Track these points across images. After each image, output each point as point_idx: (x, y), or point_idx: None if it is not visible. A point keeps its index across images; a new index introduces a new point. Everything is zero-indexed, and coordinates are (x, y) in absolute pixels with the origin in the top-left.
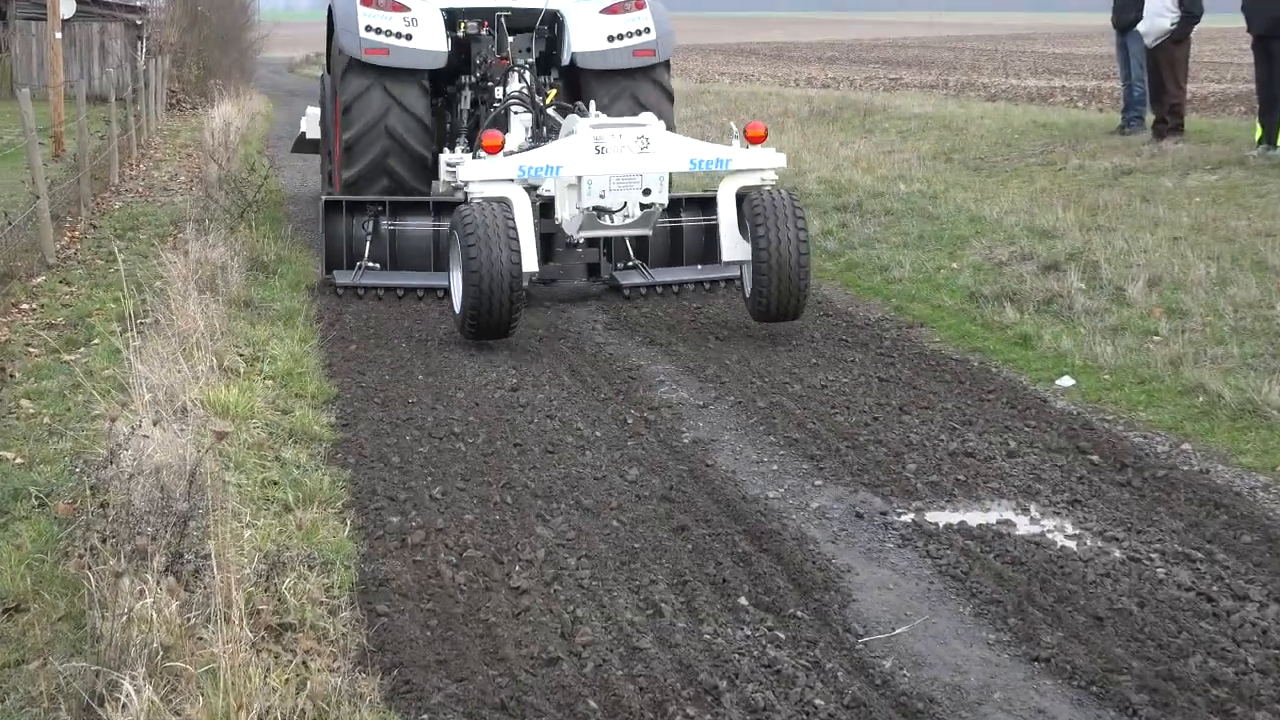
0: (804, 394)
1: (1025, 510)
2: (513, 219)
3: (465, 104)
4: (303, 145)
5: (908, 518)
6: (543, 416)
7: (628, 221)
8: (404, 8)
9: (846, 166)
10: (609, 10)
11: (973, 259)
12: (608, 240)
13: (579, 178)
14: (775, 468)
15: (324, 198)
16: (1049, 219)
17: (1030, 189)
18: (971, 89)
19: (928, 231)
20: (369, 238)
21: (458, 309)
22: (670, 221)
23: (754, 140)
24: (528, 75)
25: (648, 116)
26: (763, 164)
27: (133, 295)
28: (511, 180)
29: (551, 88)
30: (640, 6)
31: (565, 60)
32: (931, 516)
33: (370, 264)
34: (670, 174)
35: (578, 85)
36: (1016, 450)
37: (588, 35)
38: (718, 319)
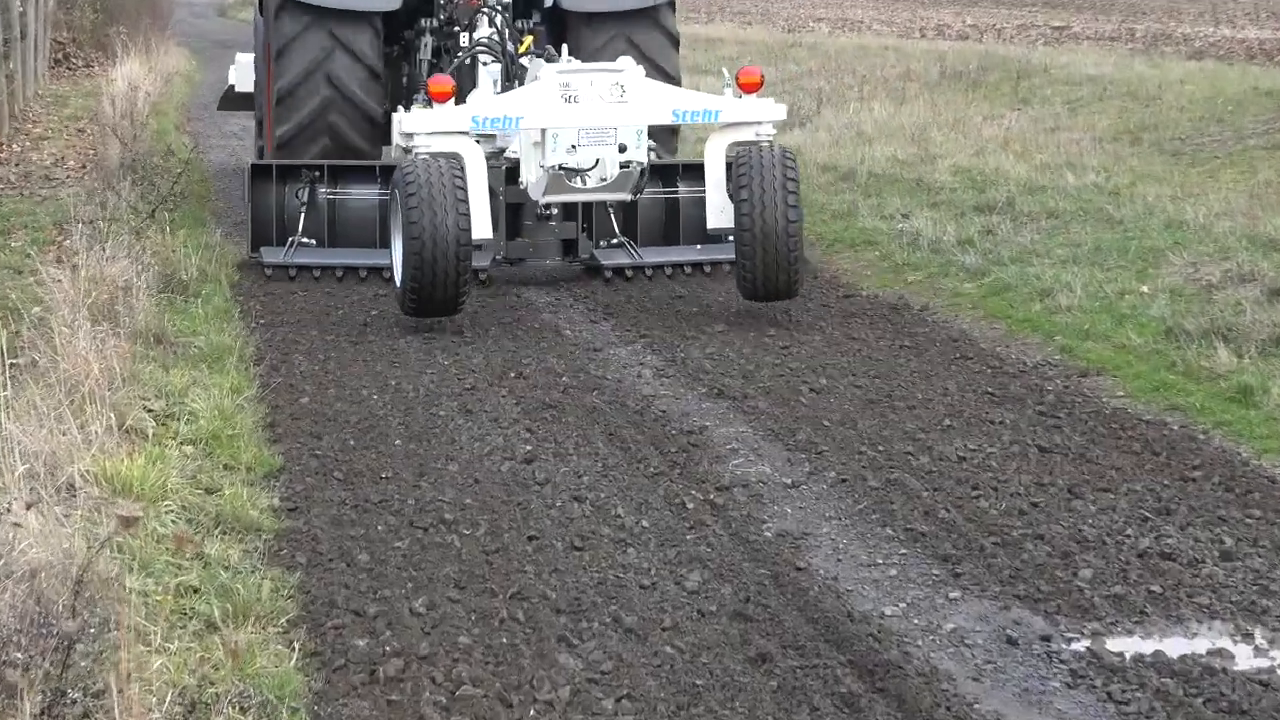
0: (933, 469)
1: (1248, 636)
2: (462, 177)
3: (425, 53)
4: (231, 100)
5: (1080, 645)
6: (568, 498)
7: (603, 184)
8: None
9: (992, 150)
10: None
11: (1170, 280)
12: (588, 212)
13: (543, 131)
14: (893, 573)
15: (251, 162)
16: (1278, 225)
17: (1250, 182)
18: (1167, 42)
19: (1106, 242)
20: (303, 208)
21: (397, 281)
22: (664, 193)
23: (748, 89)
24: (499, 19)
25: (624, 61)
26: (758, 116)
27: (1, 327)
28: (464, 133)
29: (529, 33)
30: None
31: (548, 1)
32: (1114, 644)
33: (305, 239)
34: (650, 130)
35: (563, 31)
36: (1234, 551)
37: None
38: (815, 357)
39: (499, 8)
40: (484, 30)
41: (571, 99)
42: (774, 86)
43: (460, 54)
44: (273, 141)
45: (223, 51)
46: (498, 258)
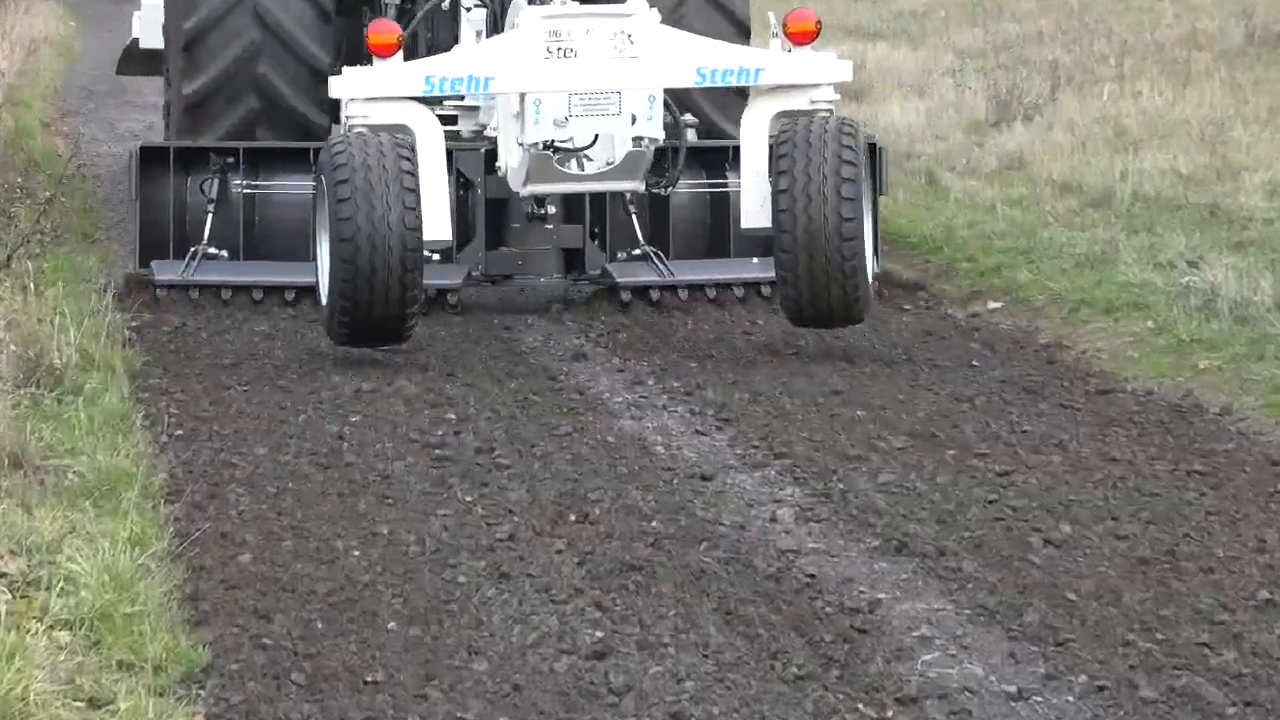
0: (1245, 671)
1: None
2: (411, 159)
3: None
4: (134, 61)
5: None
6: (662, 717)
7: (605, 169)
8: None
9: None
10: None
11: None
12: (599, 212)
13: (522, 96)
14: None
15: (140, 145)
16: None
17: None
18: None
19: None
20: (211, 207)
21: (323, 298)
22: (708, 185)
23: (799, 39)
24: None
25: (636, 3)
26: (813, 76)
27: None
28: (414, 99)
29: None
30: None
31: None
32: None
33: (213, 249)
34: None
35: None
36: None
37: None
38: (1052, 488)
39: None
40: None
41: (561, 53)
42: (981, 57)
43: None
44: (181, 102)
45: (116, 8)
46: (474, 273)
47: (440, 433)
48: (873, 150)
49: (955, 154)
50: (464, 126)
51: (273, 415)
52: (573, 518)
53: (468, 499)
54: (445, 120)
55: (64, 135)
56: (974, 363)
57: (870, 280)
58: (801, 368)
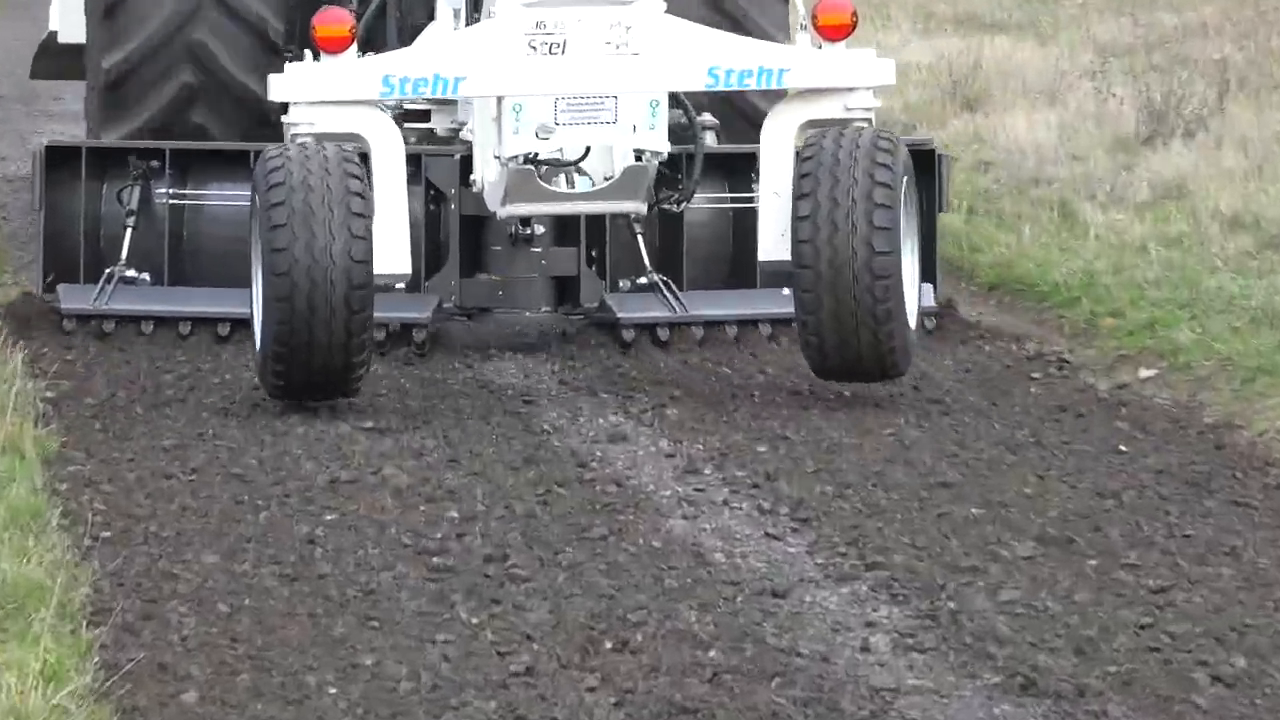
0: None
1: None
2: (362, 176)
3: None
4: (51, 60)
5: None
6: None
7: (600, 187)
8: None
9: None
10: None
11: None
12: (596, 232)
13: (500, 100)
14: None
15: (45, 143)
16: None
17: None
18: None
19: None
20: (130, 219)
21: (257, 340)
22: (730, 200)
23: (832, 34)
24: None
25: None
26: (847, 79)
27: None
28: (369, 104)
29: None
30: None
31: None
32: None
33: (131, 272)
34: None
35: None
36: None
37: None
38: (1223, 608)
39: None
40: None
41: (547, 48)
42: (1130, 56)
43: None
44: (97, 87)
45: None
46: (445, 305)
47: (439, 535)
48: (931, 159)
49: (1096, 179)
50: (439, 124)
51: (225, 512)
52: (608, 645)
53: (474, 621)
54: (418, 116)
55: None
56: (1121, 447)
57: (912, 323)
58: (899, 451)
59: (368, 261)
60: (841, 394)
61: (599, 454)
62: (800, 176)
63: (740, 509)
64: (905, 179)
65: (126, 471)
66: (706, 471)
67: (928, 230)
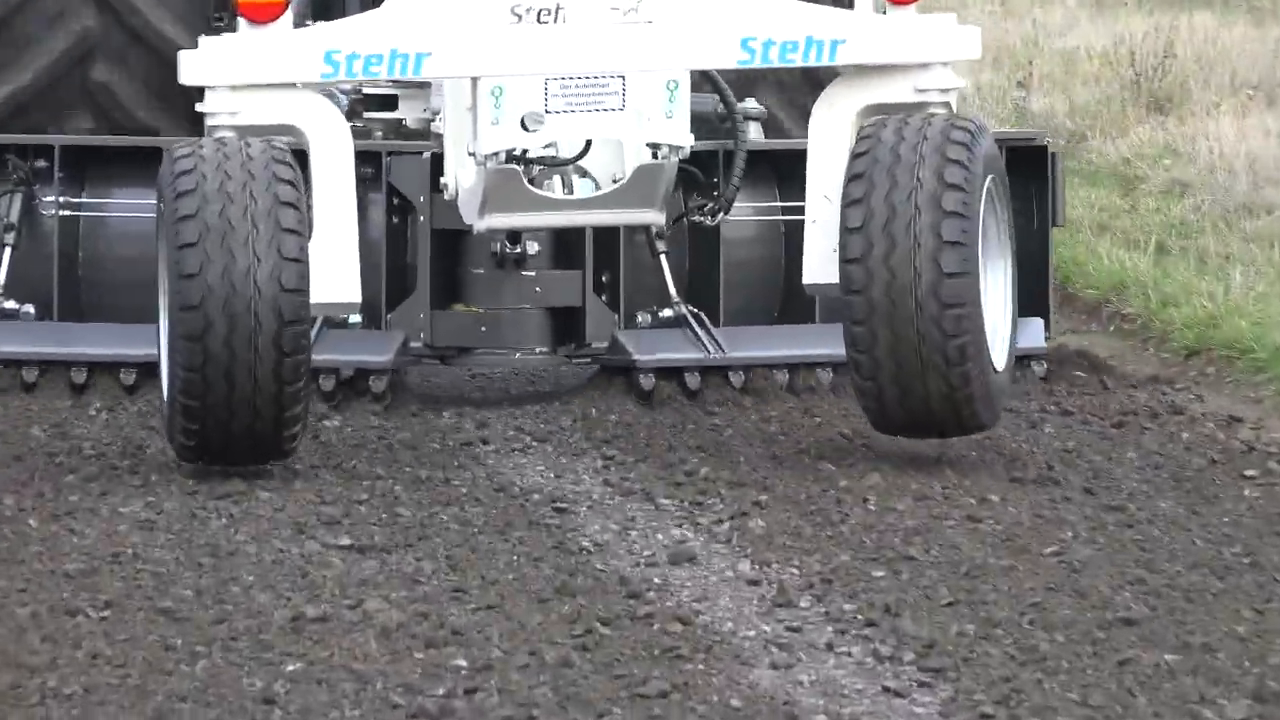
0: None
1: None
2: (295, 181)
3: None
4: None
5: None
6: None
7: (605, 192)
8: None
9: None
10: None
11: None
12: (607, 250)
13: (474, 82)
14: None
15: None
16: None
17: None
18: None
19: None
20: (11, 235)
21: (164, 388)
22: (781, 210)
23: None
24: None
25: None
26: (918, 54)
27: None
28: (309, 88)
29: None
30: None
31: None
32: None
33: (11, 303)
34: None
35: None
36: None
37: None
38: None
39: None
40: None
41: (536, 15)
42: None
43: None
44: None
45: None
46: (412, 344)
47: (441, 691)
48: (1041, 158)
49: None
50: (409, 113)
51: (151, 661)
52: None
53: None
54: (381, 103)
55: None
56: None
57: (1001, 363)
58: (1066, 577)
59: (302, 290)
60: (986, 497)
61: (657, 579)
62: (851, 178)
63: (849, 655)
64: (990, 181)
65: (16, 606)
66: (803, 604)
67: (1037, 249)
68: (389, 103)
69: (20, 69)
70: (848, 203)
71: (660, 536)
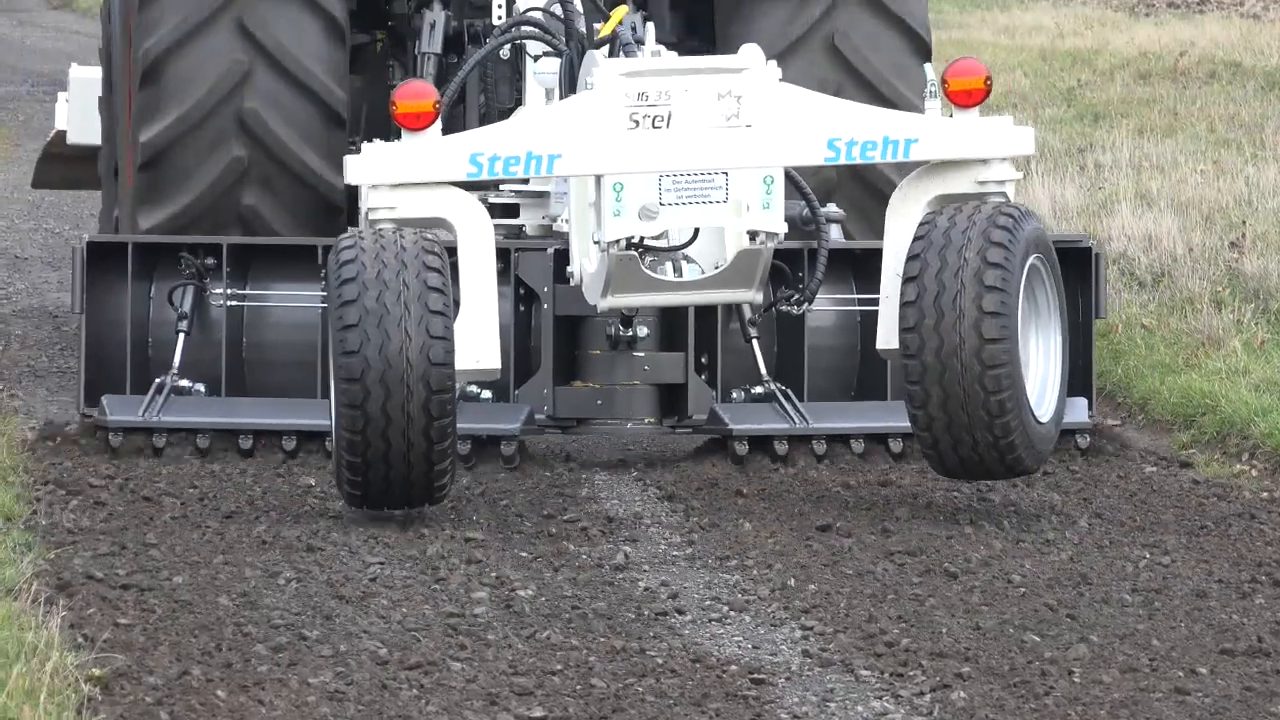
0: None
1: None
2: (442, 268)
3: (431, 40)
4: (58, 166)
5: None
6: None
7: (711, 274)
8: None
9: None
10: None
11: None
12: (707, 336)
13: (599, 180)
14: None
15: (86, 239)
16: None
17: None
18: None
19: None
20: (185, 323)
21: (331, 443)
22: (860, 302)
23: (964, 100)
24: None
25: (747, 54)
26: (981, 149)
27: None
28: (454, 186)
29: (618, 5)
30: None
31: None
32: None
33: (185, 381)
34: (799, 187)
35: (701, 6)
36: None
37: None
38: None
39: None
40: None
41: (650, 121)
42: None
43: (492, 38)
44: (133, 164)
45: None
46: (537, 416)
47: None
48: (1087, 259)
49: None
50: (528, 220)
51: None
52: None
53: None
54: (505, 211)
55: None
56: None
57: (1045, 416)
58: None
59: (447, 364)
60: (1195, 669)
61: None
62: (910, 258)
63: None
64: (1036, 259)
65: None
66: None
67: (1082, 338)
68: (512, 211)
69: (180, 194)
70: (906, 279)
71: (860, 709)
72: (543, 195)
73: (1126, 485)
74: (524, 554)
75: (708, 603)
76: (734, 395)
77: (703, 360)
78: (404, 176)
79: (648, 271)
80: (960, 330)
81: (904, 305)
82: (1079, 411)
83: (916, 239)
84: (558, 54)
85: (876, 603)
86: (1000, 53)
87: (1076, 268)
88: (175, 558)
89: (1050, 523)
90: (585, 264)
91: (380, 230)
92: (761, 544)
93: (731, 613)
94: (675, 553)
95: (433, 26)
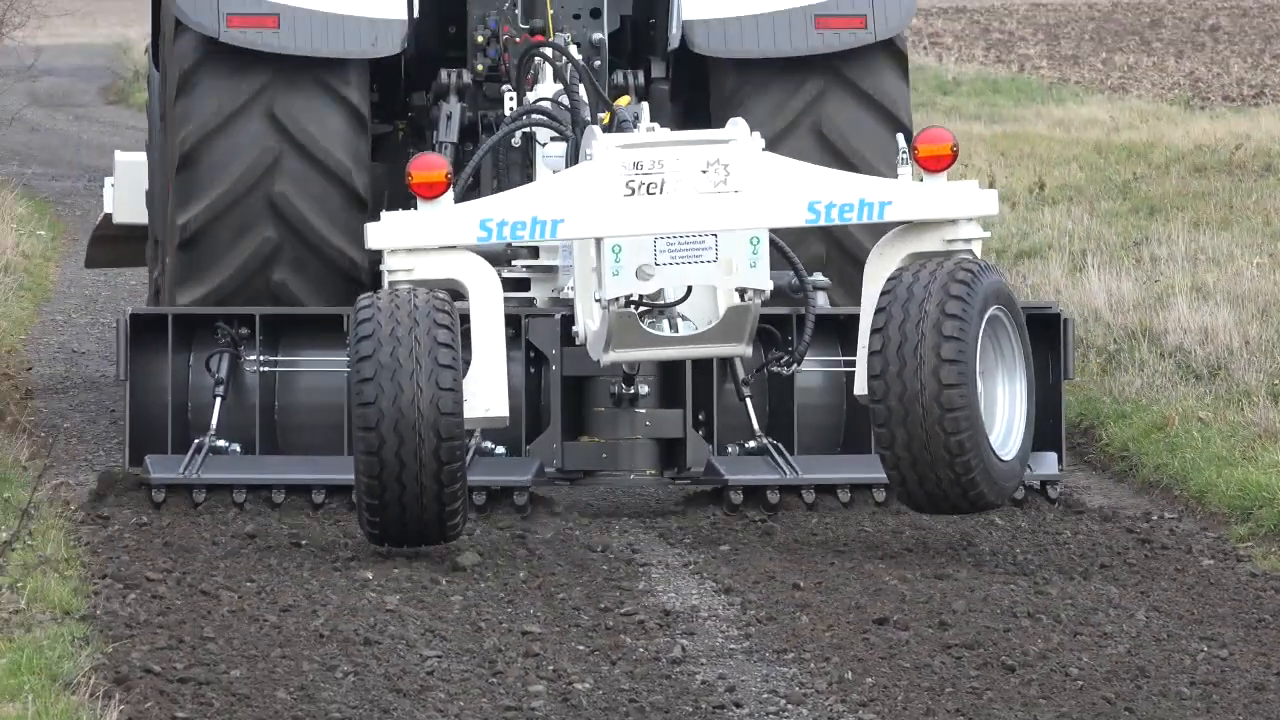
0: None
1: None
2: (451, 324)
3: (448, 130)
4: (107, 246)
5: None
6: None
7: (704, 329)
8: None
9: None
10: None
11: None
12: (703, 394)
13: (598, 242)
14: None
15: (130, 311)
16: None
17: None
18: None
19: None
20: (221, 388)
21: (355, 491)
22: (843, 364)
23: (932, 165)
24: (570, 67)
25: (734, 127)
26: (949, 210)
27: None
28: (467, 248)
29: (623, 93)
30: None
31: (674, 38)
32: None
33: (221, 442)
34: (788, 258)
35: (699, 89)
36: None
37: None
38: None
39: (571, 46)
40: (547, 87)
41: (645, 189)
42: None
43: (504, 126)
44: (170, 246)
45: (92, 188)
46: (547, 469)
47: None
48: (1055, 324)
49: None
50: (539, 293)
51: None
52: None
53: None
54: (517, 285)
55: (30, 431)
56: None
57: (1000, 460)
58: None
59: (456, 413)
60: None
61: None
62: (877, 311)
63: None
64: (996, 309)
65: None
66: None
67: (1053, 397)
68: (524, 285)
69: (215, 273)
70: (873, 330)
71: None
72: (552, 269)
73: (1184, 578)
74: (581, 647)
75: (765, 696)
76: (729, 449)
77: (700, 417)
78: (419, 241)
79: (646, 327)
80: (921, 377)
81: (871, 354)
82: (1049, 464)
83: (884, 293)
84: (564, 139)
85: (934, 696)
86: (1055, 146)
87: (1048, 332)
88: (233, 651)
89: (1107, 615)
90: (589, 323)
91: (395, 290)
92: (818, 637)
93: (789, 706)
94: (732, 646)
95: (449, 117)
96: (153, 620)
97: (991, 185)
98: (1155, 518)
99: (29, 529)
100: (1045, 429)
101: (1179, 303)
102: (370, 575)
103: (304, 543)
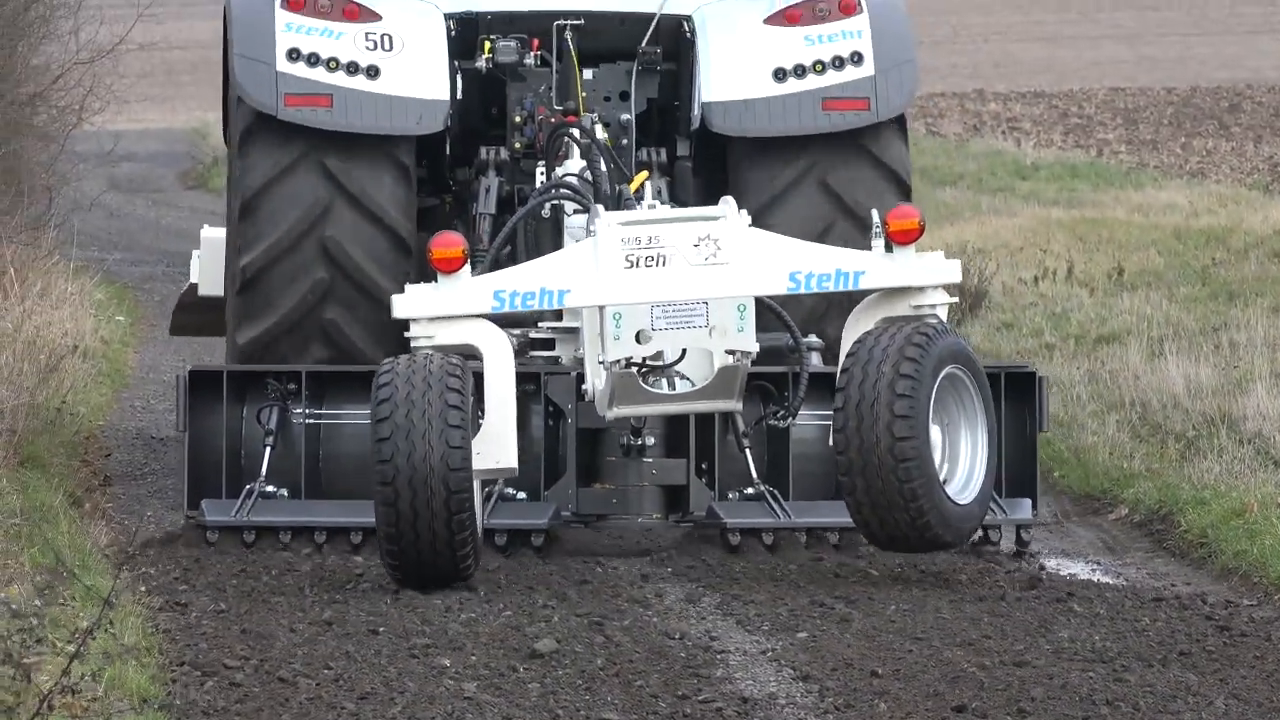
0: None
1: None
2: (461, 387)
3: (487, 202)
4: (192, 316)
5: None
6: None
7: (698, 388)
8: (368, 13)
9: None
10: (782, 18)
11: None
12: (706, 446)
13: (601, 310)
14: None
15: (189, 368)
16: None
17: None
18: None
19: None
20: (270, 438)
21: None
22: (822, 417)
23: (901, 238)
24: (595, 145)
25: (725, 205)
26: (918, 278)
27: None
28: (480, 316)
29: (644, 169)
30: (848, 10)
31: (695, 119)
32: None
33: (270, 488)
34: (783, 320)
35: (718, 164)
36: None
37: (734, 69)
38: None
39: (598, 125)
40: (574, 164)
41: (641, 261)
42: None
43: (531, 199)
44: (233, 289)
45: (177, 268)
46: (564, 513)
47: None
48: (1031, 381)
49: None
50: (563, 352)
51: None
52: None
53: None
54: (544, 345)
55: (108, 517)
56: None
57: (955, 504)
58: None
59: (464, 469)
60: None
61: None
62: (842, 371)
63: None
64: (954, 368)
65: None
66: None
67: (1028, 448)
68: (548, 344)
69: (269, 313)
70: (838, 389)
71: None
72: (574, 331)
73: (1263, 665)
74: None
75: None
76: (729, 495)
77: (703, 465)
78: (439, 310)
79: (645, 386)
80: (876, 431)
81: (835, 410)
82: (1024, 510)
83: (848, 355)
84: (586, 211)
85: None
86: (1134, 231)
87: (1023, 390)
88: None
89: (1186, 703)
90: (596, 382)
91: (412, 357)
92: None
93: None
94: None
95: (488, 191)
96: (230, 708)
97: (1070, 271)
98: (1234, 605)
99: (110, 617)
100: (1023, 477)
101: (1258, 389)
102: (448, 662)
103: (381, 630)
